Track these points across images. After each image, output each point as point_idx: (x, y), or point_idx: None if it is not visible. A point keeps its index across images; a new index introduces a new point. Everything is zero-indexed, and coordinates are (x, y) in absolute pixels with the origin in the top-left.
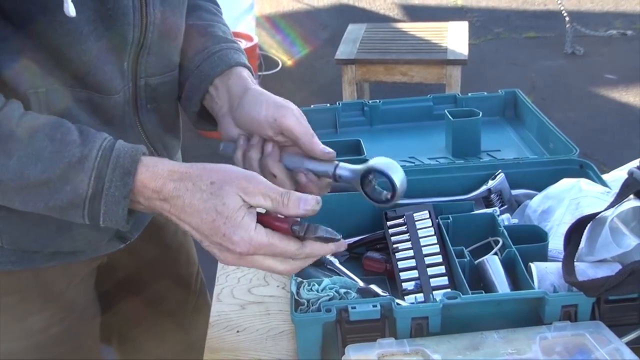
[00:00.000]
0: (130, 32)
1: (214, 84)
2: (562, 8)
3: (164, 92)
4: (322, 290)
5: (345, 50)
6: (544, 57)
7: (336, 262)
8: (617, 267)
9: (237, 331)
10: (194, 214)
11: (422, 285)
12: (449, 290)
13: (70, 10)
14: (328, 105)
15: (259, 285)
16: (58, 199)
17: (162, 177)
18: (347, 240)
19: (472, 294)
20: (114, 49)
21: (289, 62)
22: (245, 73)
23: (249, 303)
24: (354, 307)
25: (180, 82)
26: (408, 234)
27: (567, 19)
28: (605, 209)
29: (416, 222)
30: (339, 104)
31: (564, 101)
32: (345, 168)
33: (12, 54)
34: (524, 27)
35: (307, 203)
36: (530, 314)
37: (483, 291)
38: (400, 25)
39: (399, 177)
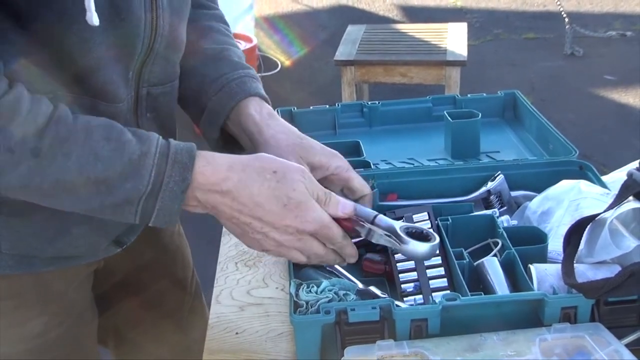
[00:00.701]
0: (140, 42)
1: (230, 118)
2: (561, 9)
3: (164, 101)
4: (321, 292)
5: (344, 51)
6: (544, 58)
7: None
8: (617, 268)
9: (236, 333)
10: (261, 203)
11: (422, 287)
12: (448, 291)
13: (94, 19)
14: (327, 106)
15: (258, 287)
16: (116, 197)
17: (223, 170)
18: None
19: (472, 295)
20: (122, 58)
21: (288, 63)
22: (252, 109)
23: (248, 304)
24: (353, 309)
25: (199, 106)
26: None
27: (566, 20)
28: (605, 211)
29: (415, 224)
30: (338, 105)
31: (563, 102)
32: (382, 220)
33: (21, 58)
34: (523, 28)
35: (345, 208)
36: (529, 316)
37: (482, 293)
38: (399, 26)
39: (425, 254)
